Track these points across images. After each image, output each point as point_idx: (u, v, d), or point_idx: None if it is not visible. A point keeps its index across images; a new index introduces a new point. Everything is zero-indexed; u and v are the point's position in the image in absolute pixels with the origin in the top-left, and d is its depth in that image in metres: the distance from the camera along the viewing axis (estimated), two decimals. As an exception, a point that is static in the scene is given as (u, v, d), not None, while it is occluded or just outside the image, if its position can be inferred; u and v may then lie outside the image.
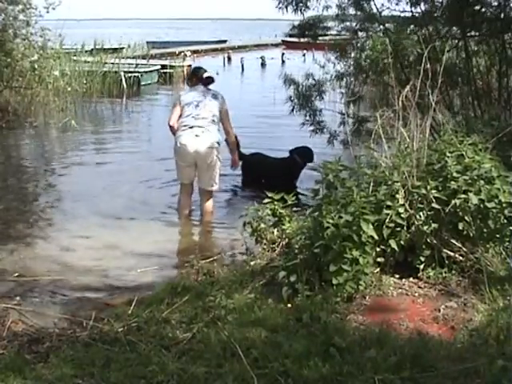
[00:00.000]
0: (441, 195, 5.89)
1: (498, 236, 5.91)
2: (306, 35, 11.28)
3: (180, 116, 8.99)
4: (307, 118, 10.72)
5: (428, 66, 6.93)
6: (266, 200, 7.17)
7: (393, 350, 4.48)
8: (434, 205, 5.86)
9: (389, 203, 5.92)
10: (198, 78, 9.37)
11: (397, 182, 6.08)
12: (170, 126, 9.05)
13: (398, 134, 6.71)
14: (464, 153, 6.12)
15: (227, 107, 9.29)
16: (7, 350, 4.98)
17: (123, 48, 33.25)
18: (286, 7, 10.33)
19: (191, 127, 8.83)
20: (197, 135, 8.80)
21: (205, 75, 9.35)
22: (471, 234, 5.85)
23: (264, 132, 15.97)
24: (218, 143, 8.97)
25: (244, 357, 4.48)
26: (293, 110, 10.75)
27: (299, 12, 10.38)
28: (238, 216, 7.63)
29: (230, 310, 5.35)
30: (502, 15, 9.45)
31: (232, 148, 9.71)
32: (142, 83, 27.24)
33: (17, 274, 7.03)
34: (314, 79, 10.83)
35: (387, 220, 5.82)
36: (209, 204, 9.36)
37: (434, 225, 5.85)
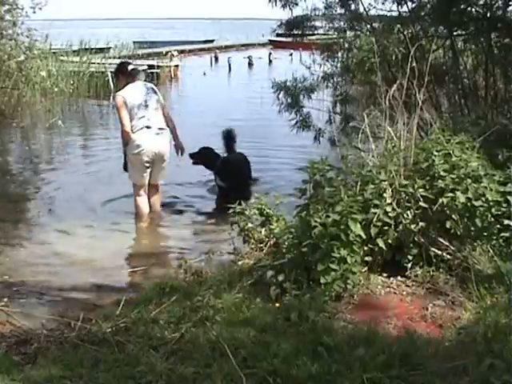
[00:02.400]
0: (428, 194, 5.90)
1: (485, 234, 5.93)
2: (294, 34, 11.26)
3: (131, 118, 8.85)
4: (294, 115, 10.69)
5: (415, 64, 6.95)
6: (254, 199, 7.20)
7: (381, 349, 4.49)
8: (422, 203, 5.87)
9: (376, 202, 5.93)
10: (124, 73, 9.28)
11: (384, 181, 6.09)
12: (127, 133, 8.82)
13: (385, 133, 6.72)
14: (451, 152, 6.14)
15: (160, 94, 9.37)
16: (-5, 352, 4.97)
17: (110, 48, 33.20)
18: (276, 1, 10.30)
19: (148, 127, 8.85)
20: (157, 133, 8.91)
21: (129, 68, 9.34)
22: (458, 233, 5.87)
23: (251, 133, 15.95)
24: (170, 137, 9.20)
25: (232, 356, 4.47)
26: (280, 111, 10.72)
27: (288, 7, 10.37)
28: (226, 216, 7.63)
29: (218, 309, 5.34)
30: (489, 14, 9.47)
31: (175, 133, 9.46)
32: (129, 83, 27.12)
33: (4, 276, 7.01)
34: (303, 78, 10.81)
35: (375, 219, 5.83)
36: (159, 196, 9.56)
37: (421, 223, 5.87)
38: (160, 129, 8.96)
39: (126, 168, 9.30)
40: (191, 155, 10.18)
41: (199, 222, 9.42)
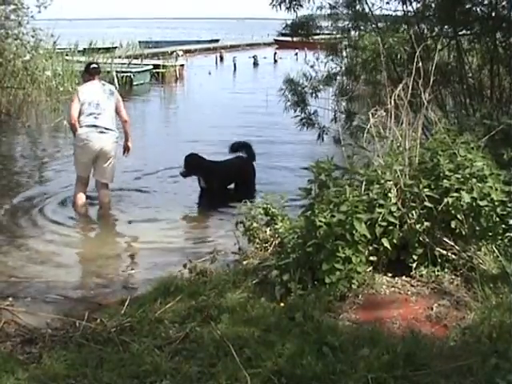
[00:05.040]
0: (433, 194, 5.89)
1: (490, 234, 5.92)
2: (299, 34, 11.26)
3: (81, 113, 9.31)
4: (298, 112, 10.70)
5: (420, 64, 6.94)
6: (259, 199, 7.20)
7: (386, 349, 4.48)
8: (427, 203, 5.86)
9: (381, 202, 5.92)
10: (86, 72, 9.83)
11: (389, 180, 6.08)
12: (73, 124, 9.35)
13: (390, 133, 6.71)
14: (456, 151, 6.12)
15: (120, 98, 9.77)
16: (0, 351, 4.97)
17: (116, 48, 33.25)
18: (280, 4, 10.32)
19: (94, 126, 9.24)
20: (101, 132, 9.26)
21: (91, 67, 9.86)
22: (464, 233, 5.86)
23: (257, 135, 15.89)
24: (117, 138, 9.54)
25: (237, 356, 4.48)
26: (286, 108, 10.73)
27: (292, 10, 10.37)
28: (231, 215, 7.64)
29: (222, 309, 5.34)
30: (494, 14, 9.46)
31: (126, 135, 9.97)
32: (135, 83, 27.24)
33: (9, 275, 7.02)
34: (309, 75, 10.82)
35: (380, 219, 5.82)
36: (107, 196, 9.85)
37: (426, 223, 5.86)
38: (106, 129, 9.32)
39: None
40: (183, 175, 10.41)
41: (204, 221, 9.43)
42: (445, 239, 5.93)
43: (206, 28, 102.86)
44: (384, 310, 5.40)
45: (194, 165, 10.30)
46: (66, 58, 24.98)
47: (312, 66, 11.82)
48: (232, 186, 10.99)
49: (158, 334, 5.04)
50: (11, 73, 20.08)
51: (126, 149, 10.00)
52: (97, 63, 10.42)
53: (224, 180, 10.73)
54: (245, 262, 6.63)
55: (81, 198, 9.65)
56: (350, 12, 10.39)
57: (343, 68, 11.16)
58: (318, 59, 12.29)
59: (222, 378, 4.27)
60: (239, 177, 10.91)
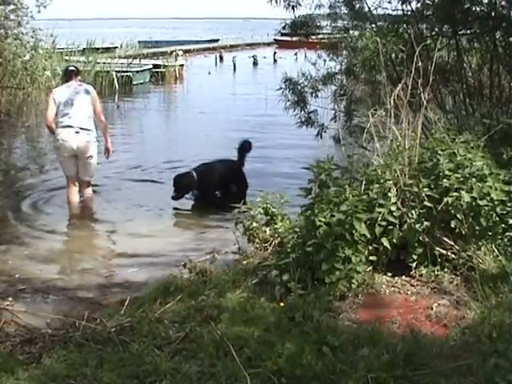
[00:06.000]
0: (433, 193, 5.88)
1: (490, 234, 5.91)
2: (298, 34, 11.24)
3: (56, 114, 9.50)
4: (299, 112, 10.68)
5: (420, 64, 6.92)
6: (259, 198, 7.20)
7: (385, 348, 4.48)
8: (426, 203, 5.85)
9: (381, 202, 5.92)
10: (66, 74, 10.05)
11: (389, 180, 6.08)
12: (48, 126, 9.67)
13: (389, 133, 6.70)
14: (456, 151, 6.12)
15: (97, 97, 9.94)
16: (0, 351, 4.97)
17: (116, 47, 33.27)
18: (277, 1, 10.28)
19: (69, 126, 9.38)
20: (76, 132, 9.40)
21: (69, 69, 10.16)
22: (463, 232, 5.85)
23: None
24: (94, 137, 9.69)
25: (237, 356, 4.47)
26: (286, 109, 10.71)
27: (290, 8, 10.34)
28: (230, 215, 7.65)
29: (222, 309, 5.34)
30: (493, 13, 9.45)
31: (105, 136, 10.14)
32: (134, 82, 27.26)
33: (9, 275, 7.02)
34: (309, 74, 10.80)
35: (379, 218, 5.81)
36: (88, 192, 10.02)
37: (426, 223, 5.85)
38: (81, 128, 9.45)
39: None
40: (175, 198, 10.23)
41: (203, 221, 9.42)
42: (444, 239, 5.93)
43: (207, 28, 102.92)
44: (384, 309, 5.40)
45: (184, 185, 10.22)
46: (66, 57, 25.00)
47: (314, 64, 11.82)
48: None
49: (158, 334, 5.04)
50: (11, 73, 20.09)
51: (107, 151, 10.12)
52: (75, 66, 10.75)
53: (216, 185, 10.68)
54: (244, 262, 6.63)
55: (74, 197, 9.81)
56: (349, 11, 10.38)
57: (343, 67, 11.15)
58: (320, 57, 12.28)
59: (222, 377, 4.27)
60: (231, 179, 10.80)
